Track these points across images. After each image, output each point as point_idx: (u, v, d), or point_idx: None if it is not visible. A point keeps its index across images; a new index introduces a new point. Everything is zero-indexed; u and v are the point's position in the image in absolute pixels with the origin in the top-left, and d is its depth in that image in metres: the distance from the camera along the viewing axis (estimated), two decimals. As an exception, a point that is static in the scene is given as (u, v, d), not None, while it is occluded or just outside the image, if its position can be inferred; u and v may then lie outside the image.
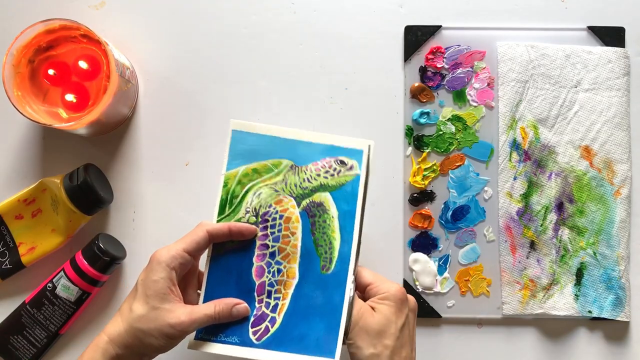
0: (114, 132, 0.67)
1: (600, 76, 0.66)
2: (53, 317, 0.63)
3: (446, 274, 0.66)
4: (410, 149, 0.67)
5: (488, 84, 0.67)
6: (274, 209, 0.57)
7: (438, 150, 0.66)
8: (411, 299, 0.55)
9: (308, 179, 0.57)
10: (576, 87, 0.67)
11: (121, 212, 0.67)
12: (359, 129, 0.67)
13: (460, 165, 0.66)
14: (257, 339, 0.55)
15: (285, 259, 0.56)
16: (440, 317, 0.65)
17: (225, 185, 0.58)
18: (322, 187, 0.57)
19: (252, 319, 0.56)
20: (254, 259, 0.57)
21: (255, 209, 0.57)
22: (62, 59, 0.62)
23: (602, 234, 0.66)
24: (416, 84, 0.67)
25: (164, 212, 0.67)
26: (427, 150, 0.66)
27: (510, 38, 0.67)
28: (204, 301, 0.56)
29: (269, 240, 0.57)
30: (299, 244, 0.57)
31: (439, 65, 0.67)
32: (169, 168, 0.67)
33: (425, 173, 0.66)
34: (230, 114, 0.67)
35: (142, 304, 0.53)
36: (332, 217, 0.57)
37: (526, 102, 0.66)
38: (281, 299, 0.56)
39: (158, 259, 0.53)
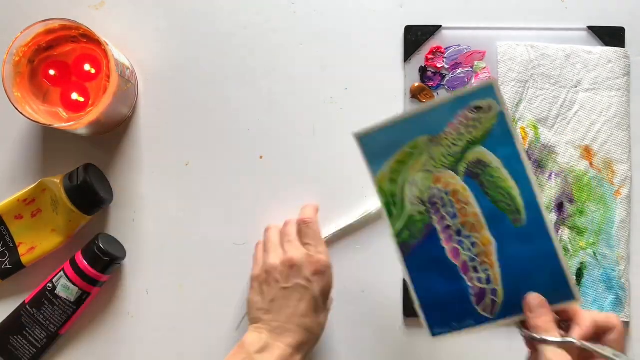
0: (114, 132, 0.67)
1: (601, 76, 0.66)
2: (53, 317, 0.63)
3: (446, 274, 0.66)
4: (410, 149, 0.67)
5: (488, 84, 0.67)
6: (436, 189, 0.53)
7: (438, 150, 0.66)
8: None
9: (453, 143, 0.53)
10: (576, 87, 0.67)
11: (121, 212, 0.67)
12: (359, 129, 0.67)
13: (460, 165, 0.66)
14: (490, 314, 0.53)
15: (473, 230, 0.53)
16: (440, 317, 0.65)
17: (381, 189, 0.54)
18: (471, 143, 0.52)
19: (473, 299, 0.53)
20: (443, 243, 0.53)
21: (418, 198, 0.54)
22: (62, 59, 0.62)
23: (602, 234, 0.66)
24: (416, 84, 0.67)
25: (164, 212, 0.67)
26: (427, 150, 0.66)
27: (510, 38, 0.67)
28: (420, 304, 0.54)
29: (448, 220, 0.53)
30: (478, 210, 0.53)
31: (439, 65, 0.67)
32: (169, 168, 0.67)
33: (425, 173, 0.66)
34: (231, 113, 0.67)
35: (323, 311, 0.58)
36: (497, 167, 0.52)
37: (526, 102, 0.66)
38: (489, 268, 0.53)
39: (328, 266, 0.58)
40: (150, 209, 0.67)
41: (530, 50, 0.66)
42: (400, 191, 0.54)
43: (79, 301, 0.63)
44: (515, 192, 0.52)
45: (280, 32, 0.68)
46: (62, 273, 0.62)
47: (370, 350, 0.66)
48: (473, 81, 0.67)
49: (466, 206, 0.53)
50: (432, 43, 0.67)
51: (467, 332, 0.53)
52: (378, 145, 0.54)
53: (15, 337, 0.63)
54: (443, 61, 0.67)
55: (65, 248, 0.65)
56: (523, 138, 0.66)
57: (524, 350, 0.66)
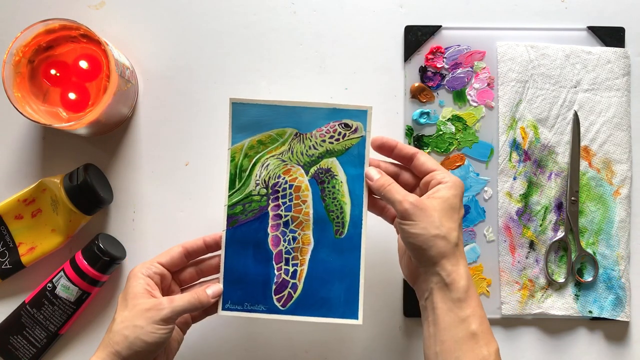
0: (114, 132, 0.67)
1: (600, 76, 0.66)
2: (53, 317, 0.63)
3: (446, 274, 0.66)
4: (410, 149, 0.67)
5: (488, 84, 0.67)
6: (283, 179, 0.57)
7: (438, 150, 0.66)
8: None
9: (314, 146, 0.57)
10: (576, 88, 0.67)
11: (121, 212, 0.67)
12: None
13: (460, 165, 0.66)
14: (282, 305, 0.57)
15: (299, 227, 0.57)
16: (440, 317, 0.65)
17: (232, 159, 0.57)
18: (329, 153, 0.57)
19: (274, 287, 0.57)
20: (269, 229, 0.57)
21: (264, 180, 0.57)
22: (62, 59, 0.62)
23: (601, 233, 0.66)
24: (416, 84, 0.67)
25: (164, 212, 0.67)
26: (427, 150, 0.66)
27: (510, 38, 0.67)
28: (224, 275, 0.57)
29: (282, 210, 0.57)
30: (311, 211, 0.57)
31: (439, 65, 0.67)
32: (169, 168, 0.67)
33: (425, 173, 0.66)
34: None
35: (122, 310, 0.53)
36: (341, 182, 0.57)
37: (526, 102, 0.66)
38: (299, 265, 0.57)
39: (132, 272, 0.55)
40: (150, 209, 0.67)
41: (530, 50, 0.66)
42: (250, 168, 0.57)
43: (79, 301, 0.63)
44: (347, 208, 0.57)
45: (280, 32, 0.68)
46: (62, 273, 0.62)
47: (370, 350, 0.66)
48: (473, 81, 0.67)
49: (302, 204, 0.57)
50: (432, 43, 0.67)
51: (253, 315, 0.57)
52: (248, 119, 0.57)
53: (15, 337, 0.63)
54: (443, 61, 0.67)
55: (65, 248, 0.65)
56: (523, 138, 0.66)
57: (524, 350, 0.66)
